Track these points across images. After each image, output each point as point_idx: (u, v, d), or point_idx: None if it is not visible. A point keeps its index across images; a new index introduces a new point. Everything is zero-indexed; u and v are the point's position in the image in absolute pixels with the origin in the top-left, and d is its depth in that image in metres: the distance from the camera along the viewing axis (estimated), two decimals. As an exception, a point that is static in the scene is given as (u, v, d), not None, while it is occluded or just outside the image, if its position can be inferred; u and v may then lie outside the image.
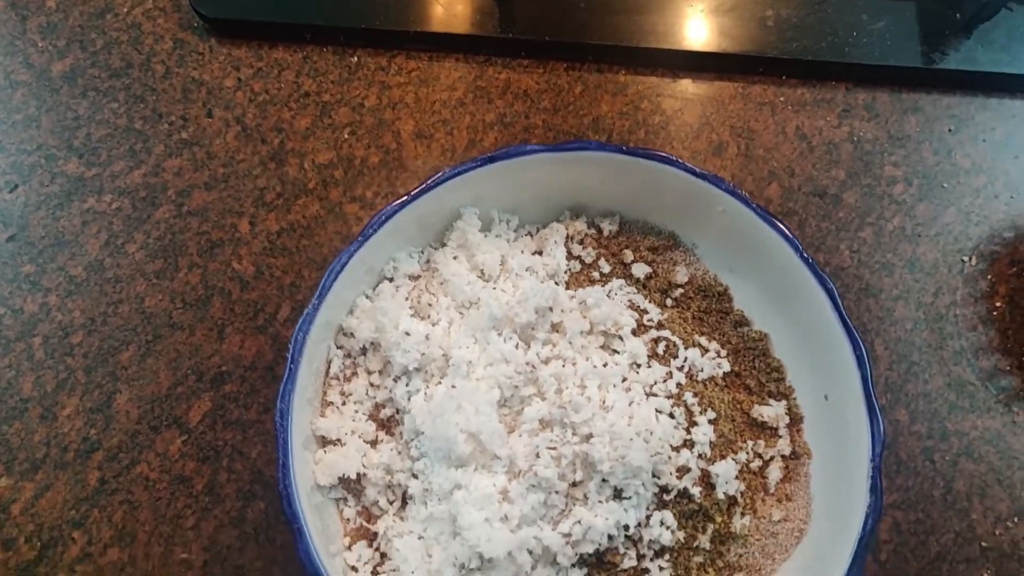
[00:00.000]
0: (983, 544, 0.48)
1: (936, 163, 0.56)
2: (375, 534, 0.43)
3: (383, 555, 0.43)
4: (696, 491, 0.43)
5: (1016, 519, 0.49)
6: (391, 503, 0.43)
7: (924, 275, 0.53)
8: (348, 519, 0.44)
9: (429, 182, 0.42)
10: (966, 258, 0.54)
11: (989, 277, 0.53)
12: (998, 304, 0.53)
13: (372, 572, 0.43)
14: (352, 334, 0.44)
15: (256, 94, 0.55)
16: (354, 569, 0.42)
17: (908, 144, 0.56)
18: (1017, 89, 0.57)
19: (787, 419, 0.46)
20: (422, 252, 0.47)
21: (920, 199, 0.55)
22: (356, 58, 0.56)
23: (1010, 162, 0.56)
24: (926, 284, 0.53)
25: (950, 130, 0.56)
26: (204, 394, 0.49)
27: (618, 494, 0.42)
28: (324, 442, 0.44)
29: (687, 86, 0.57)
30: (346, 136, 0.54)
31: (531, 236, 0.49)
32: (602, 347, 0.45)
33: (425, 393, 0.42)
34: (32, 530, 0.46)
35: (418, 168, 0.54)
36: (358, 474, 0.43)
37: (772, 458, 0.46)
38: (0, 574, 0.46)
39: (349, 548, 0.43)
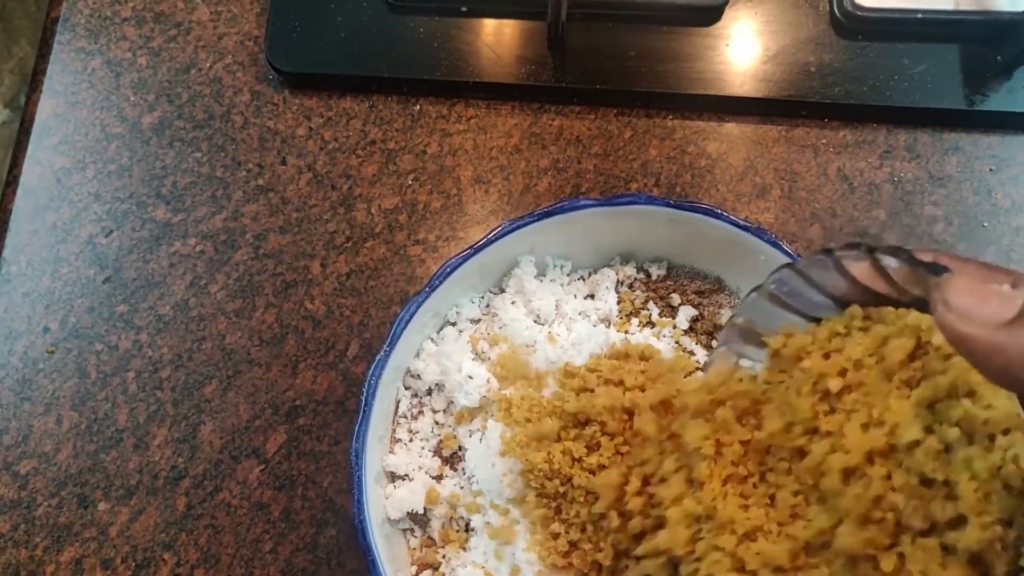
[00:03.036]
0: None
1: (976, 203, 0.57)
2: (439, 563, 0.47)
3: (446, 580, 0.46)
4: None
5: None
6: (455, 534, 0.47)
7: (965, 313, 0.55)
8: (414, 548, 0.47)
9: (491, 236, 0.46)
10: (1007, 297, 0.55)
11: (1029, 316, 0.55)
12: (1038, 342, 0.54)
13: (437, 597, 0.46)
14: (419, 376, 0.48)
15: (326, 142, 0.59)
16: (421, 593, 0.46)
17: (949, 184, 0.58)
18: (1059, 129, 0.58)
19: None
20: (482, 297, 0.50)
21: (960, 238, 0.57)
22: (418, 107, 0.59)
23: (1051, 201, 0.57)
24: (967, 322, 0.55)
25: (991, 170, 0.58)
26: (280, 426, 0.53)
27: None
28: (393, 477, 0.47)
29: (731, 130, 0.59)
30: (410, 182, 0.58)
31: (583, 280, 0.52)
32: (651, 388, 0.48)
33: (481, 436, 0.46)
34: (128, 551, 0.51)
35: (477, 212, 0.57)
36: (424, 507, 0.46)
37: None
38: (99, 590, 0.50)
39: (417, 574, 0.46)
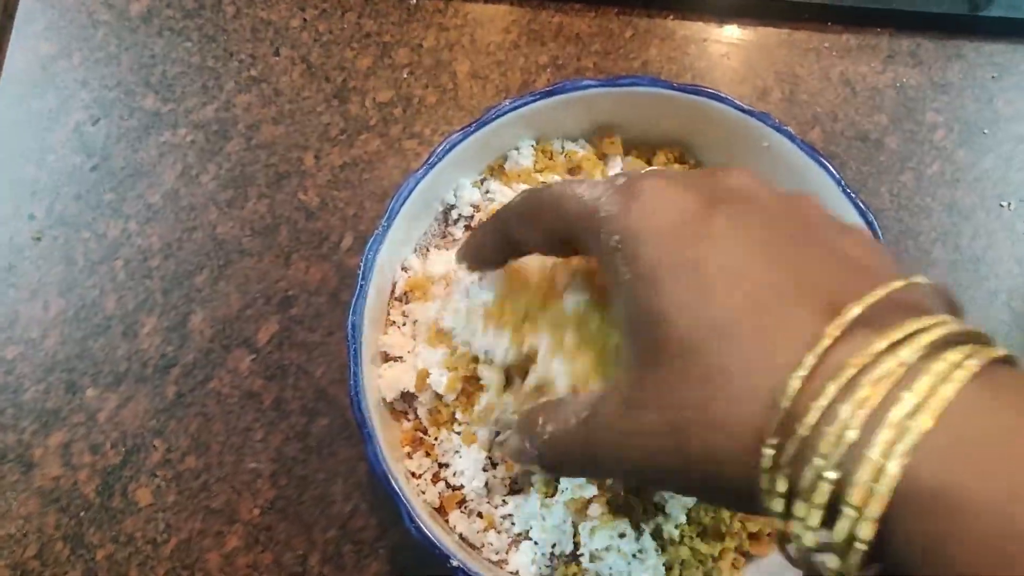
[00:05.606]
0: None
1: (978, 110, 0.57)
2: (433, 444, 0.46)
3: (441, 465, 0.46)
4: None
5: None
6: (445, 409, 0.46)
7: (962, 219, 0.55)
8: (407, 431, 0.47)
9: (489, 114, 0.45)
10: (1004, 203, 0.55)
11: (1026, 221, 0.55)
12: (1034, 247, 0.54)
13: (432, 479, 0.46)
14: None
15: (320, 34, 0.57)
16: (415, 475, 0.46)
17: (951, 91, 0.57)
18: (1062, 38, 0.58)
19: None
20: (482, 182, 0.49)
21: (960, 145, 0.56)
22: (415, 0, 0.58)
23: (1052, 110, 0.57)
24: (963, 227, 0.55)
25: (993, 77, 0.57)
26: (272, 316, 0.52)
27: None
28: (387, 358, 0.47)
29: (733, 32, 0.58)
30: (405, 76, 0.57)
31: (583, 170, 0.51)
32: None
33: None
34: (117, 437, 0.50)
35: (473, 107, 0.56)
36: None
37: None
38: (88, 475, 0.50)
39: (410, 456, 0.46)
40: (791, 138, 0.45)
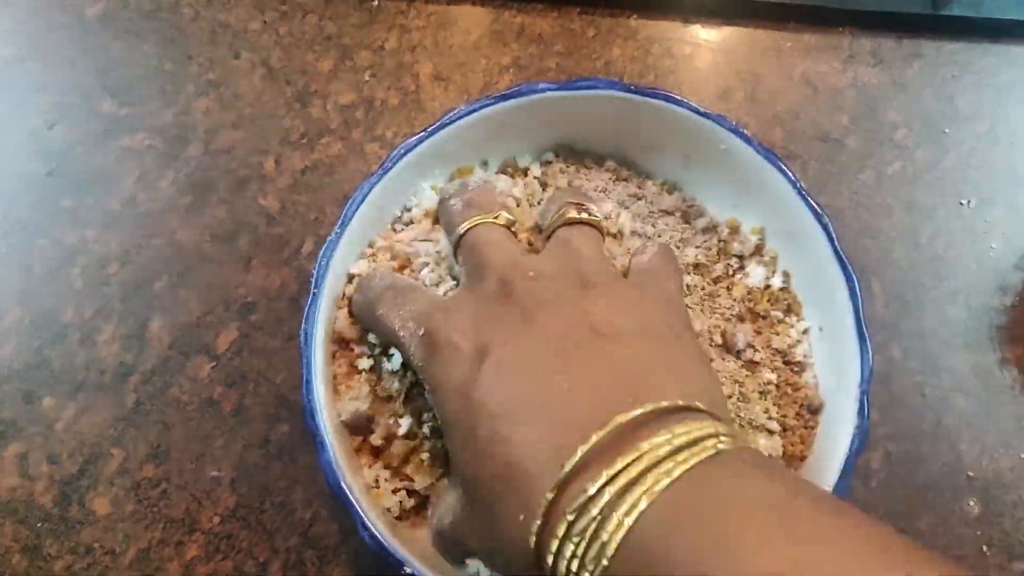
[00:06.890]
0: (969, 474, 0.51)
1: (938, 109, 0.57)
2: (392, 456, 0.46)
3: (399, 477, 0.46)
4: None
5: (1001, 450, 0.51)
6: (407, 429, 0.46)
7: (922, 217, 0.55)
8: (367, 444, 0.46)
9: (445, 119, 0.45)
10: (964, 201, 0.55)
11: (986, 219, 0.55)
12: (993, 245, 0.54)
13: (392, 491, 0.46)
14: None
15: (281, 37, 0.57)
16: (375, 485, 0.45)
17: (911, 90, 0.57)
18: (1022, 35, 0.58)
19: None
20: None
21: (920, 144, 0.56)
22: (376, 2, 0.58)
23: (1012, 108, 0.57)
24: (923, 226, 0.55)
25: (953, 76, 0.58)
26: (232, 323, 0.52)
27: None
28: (345, 365, 0.46)
29: (696, 32, 0.58)
30: (367, 78, 0.56)
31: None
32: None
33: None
34: (75, 446, 0.50)
35: (436, 109, 0.56)
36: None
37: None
38: (45, 485, 0.49)
39: (369, 467, 0.46)
40: (747, 141, 0.45)
